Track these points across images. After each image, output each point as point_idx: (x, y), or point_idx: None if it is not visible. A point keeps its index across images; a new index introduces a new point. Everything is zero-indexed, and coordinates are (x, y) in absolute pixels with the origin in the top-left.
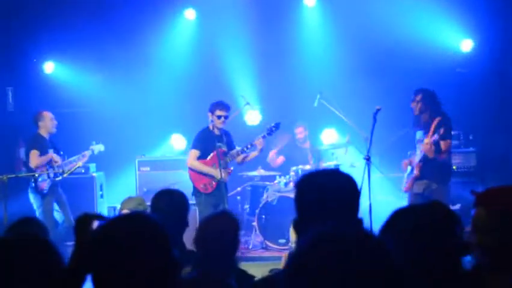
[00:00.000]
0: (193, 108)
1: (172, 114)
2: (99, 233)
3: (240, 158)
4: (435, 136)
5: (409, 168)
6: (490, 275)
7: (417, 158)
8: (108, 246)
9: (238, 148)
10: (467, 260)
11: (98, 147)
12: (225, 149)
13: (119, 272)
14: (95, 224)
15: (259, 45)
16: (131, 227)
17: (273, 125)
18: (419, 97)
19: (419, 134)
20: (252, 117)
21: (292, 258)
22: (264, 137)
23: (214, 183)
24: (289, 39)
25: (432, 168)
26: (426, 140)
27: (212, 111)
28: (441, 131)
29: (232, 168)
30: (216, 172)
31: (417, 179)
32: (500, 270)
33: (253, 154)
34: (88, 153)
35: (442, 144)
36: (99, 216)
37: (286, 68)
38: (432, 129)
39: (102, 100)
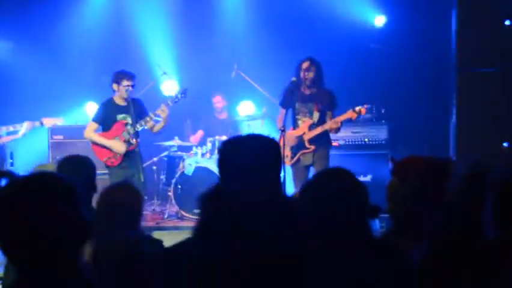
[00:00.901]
0: (109, 76)
1: (87, 82)
2: (7, 189)
3: (150, 125)
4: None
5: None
6: (396, 240)
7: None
8: (17, 203)
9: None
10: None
11: (51, 121)
12: (129, 120)
13: (28, 230)
14: (3, 182)
15: (177, 13)
16: (42, 183)
17: (179, 92)
18: (314, 67)
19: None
20: (169, 87)
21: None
22: (167, 104)
23: (118, 155)
24: (207, 7)
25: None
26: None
27: (118, 82)
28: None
29: (137, 140)
30: (115, 145)
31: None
32: (404, 235)
33: (161, 125)
34: (27, 125)
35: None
36: (7, 174)
37: (204, 37)
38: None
39: (13, 68)
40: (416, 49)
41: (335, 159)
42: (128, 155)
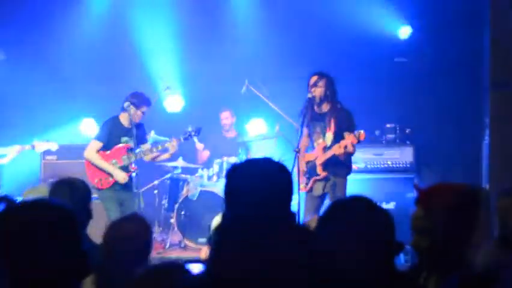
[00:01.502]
0: (107, 90)
1: (83, 97)
2: (5, 217)
3: (149, 157)
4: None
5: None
6: (424, 275)
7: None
8: (15, 232)
9: (148, 145)
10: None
11: (43, 146)
12: (131, 144)
13: (26, 261)
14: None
15: (182, 22)
16: (40, 212)
17: (192, 129)
18: (322, 82)
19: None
20: (173, 103)
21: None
22: (178, 139)
23: (111, 179)
24: (216, 14)
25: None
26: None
27: (137, 105)
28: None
29: (135, 167)
30: (117, 173)
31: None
32: (433, 271)
33: (164, 156)
34: (16, 149)
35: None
36: (4, 199)
37: (212, 47)
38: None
39: (5, 81)
40: (444, 63)
41: (355, 185)
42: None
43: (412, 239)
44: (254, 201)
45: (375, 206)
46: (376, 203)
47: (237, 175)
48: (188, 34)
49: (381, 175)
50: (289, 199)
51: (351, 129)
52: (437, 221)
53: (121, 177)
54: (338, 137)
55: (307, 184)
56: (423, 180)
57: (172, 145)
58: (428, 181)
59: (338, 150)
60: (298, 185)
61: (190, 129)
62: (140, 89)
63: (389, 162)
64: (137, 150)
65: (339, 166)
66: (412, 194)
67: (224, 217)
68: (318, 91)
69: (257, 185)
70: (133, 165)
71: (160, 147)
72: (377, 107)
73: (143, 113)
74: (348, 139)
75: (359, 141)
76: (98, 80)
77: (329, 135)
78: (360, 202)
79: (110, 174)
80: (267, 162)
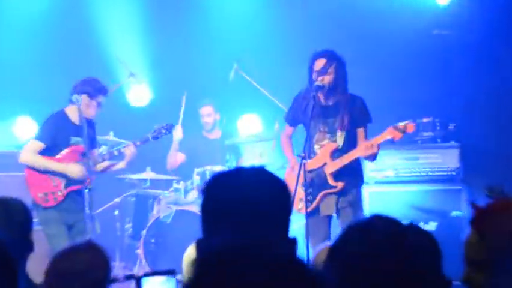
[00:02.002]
0: (47, 81)
1: (16, 91)
2: None
3: (100, 167)
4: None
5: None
6: None
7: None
8: None
9: (102, 149)
10: None
11: None
12: (83, 146)
13: None
14: None
15: None
16: None
17: (162, 126)
18: (332, 68)
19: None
20: (138, 94)
21: None
22: (143, 141)
23: (63, 192)
24: None
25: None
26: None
27: (91, 95)
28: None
29: (90, 179)
30: (65, 167)
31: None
32: None
33: (118, 166)
34: None
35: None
36: None
37: (190, 23)
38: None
39: None
40: (495, 37)
41: (381, 199)
42: (72, 196)
43: (463, 273)
44: (240, 224)
45: (412, 229)
46: (412, 224)
47: (217, 189)
48: (159, 5)
49: (417, 186)
50: (287, 221)
51: (366, 123)
52: (498, 250)
53: (78, 170)
54: (351, 136)
55: (311, 202)
56: (474, 193)
57: (130, 150)
58: (481, 194)
59: (366, 150)
60: (306, 202)
61: (157, 126)
62: (96, 75)
63: (427, 169)
64: (100, 151)
65: (358, 174)
66: (459, 212)
67: (200, 246)
68: (327, 79)
69: (244, 203)
70: (88, 177)
71: (115, 153)
72: (409, 95)
73: (98, 104)
74: (387, 135)
75: (403, 133)
76: (36, 68)
77: (341, 135)
78: (391, 224)
79: (61, 181)
80: (257, 172)
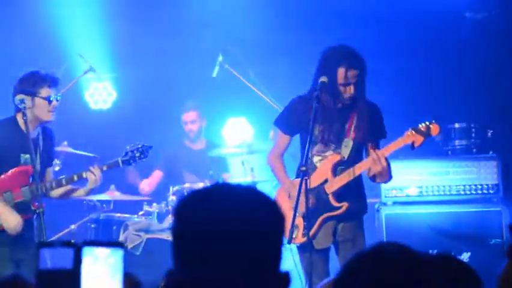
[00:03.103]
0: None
1: None
2: None
3: (57, 192)
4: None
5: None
6: None
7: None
8: None
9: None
10: None
11: None
12: (37, 165)
13: None
14: None
15: None
16: None
17: (137, 147)
18: (361, 76)
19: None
20: (99, 95)
21: None
22: (111, 166)
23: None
24: None
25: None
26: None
27: (31, 91)
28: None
29: (40, 204)
30: (6, 217)
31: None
32: None
33: (80, 192)
34: None
35: None
36: None
37: (166, 11)
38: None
39: None
40: None
41: (401, 223)
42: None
43: None
44: (219, 254)
45: (444, 260)
46: (445, 254)
47: (192, 211)
48: None
49: (447, 207)
50: (279, 251)
51: (380, 139)
52: None
53: (13, 224)
54: (359, 149)
55: (308, 230)
56: None
57: (94, 174)
58: None
59: (375, 165)
60: (309, 228)
61: (130, 148)
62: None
63: (459, 187)
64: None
65: (362, 197)
66: (498, 240)
67: (170, 280)
68: (351, 90)
69: (225, 229)
70: (36, 204)
71: (75, 178)
72: (437, 95)
73: (48, 100)
74: (408, 138)
75: (427, 137)
76: None
77: (348, 143)
78: (406, 252)
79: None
80: (244, 191)
